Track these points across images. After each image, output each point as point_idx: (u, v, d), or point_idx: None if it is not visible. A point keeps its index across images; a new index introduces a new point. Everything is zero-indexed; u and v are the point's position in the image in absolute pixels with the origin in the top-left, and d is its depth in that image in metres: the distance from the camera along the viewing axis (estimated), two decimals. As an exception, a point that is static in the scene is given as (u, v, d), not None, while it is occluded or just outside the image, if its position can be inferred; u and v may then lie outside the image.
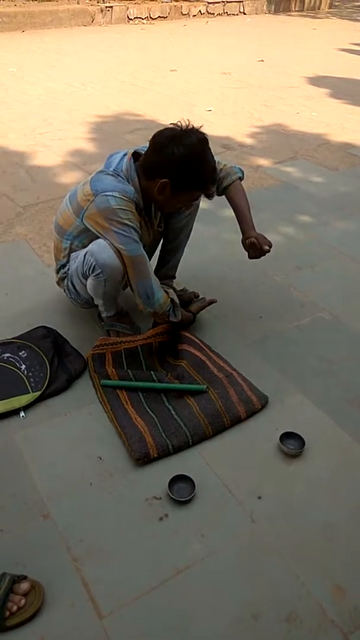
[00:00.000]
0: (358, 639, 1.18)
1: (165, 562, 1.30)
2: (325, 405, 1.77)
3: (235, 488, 1.48)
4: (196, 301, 2.07)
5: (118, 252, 1.67)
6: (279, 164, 3.74)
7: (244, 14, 10.70)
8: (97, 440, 1.61)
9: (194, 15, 9.98)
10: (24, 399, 1.70)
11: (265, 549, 1.34)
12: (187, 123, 1.64)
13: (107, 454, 1.57)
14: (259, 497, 1.46)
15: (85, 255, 1.73)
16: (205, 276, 2.41)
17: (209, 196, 1.87)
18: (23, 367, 1.80)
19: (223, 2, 10.31)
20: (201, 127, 1.65)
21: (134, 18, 9.26)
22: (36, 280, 2.34)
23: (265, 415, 1.71)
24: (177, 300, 1.87)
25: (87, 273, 1.74)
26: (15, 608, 1.16)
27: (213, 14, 10.21)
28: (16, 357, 1.83)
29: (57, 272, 1.96)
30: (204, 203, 2.07)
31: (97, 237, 1.71)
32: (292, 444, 1.60)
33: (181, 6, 9.79)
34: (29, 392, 1.72)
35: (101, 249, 1.68)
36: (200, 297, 2.11)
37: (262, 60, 6.85)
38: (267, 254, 1.88)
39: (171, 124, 1.65)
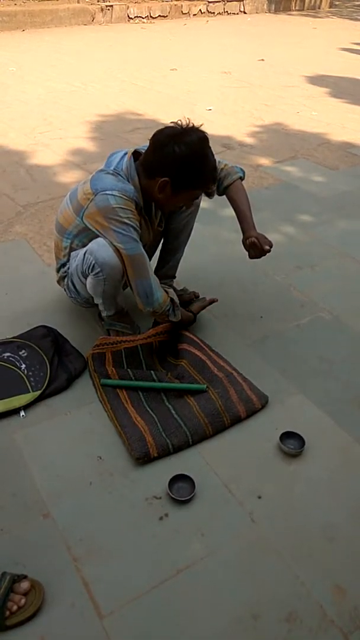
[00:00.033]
0: (358, 639, 1.18)
1: (165, 562, 1.30)
2: (325, 405, 1.76)
3: (235, 488, 1.48)
4: (196, 301, 2.07)
5: (117, 251, 1.67)
6: (279, 164, 3.74)
7: (245, 13, 10.70)
8: (97, 439, 1.61)
9: (194, 15, 9.98)
10: (24, 399, 1.70)
11: (265, 548, 1.34)
12: (188, 121, 1.64)
13: (107, 453, 1.57)
14: (259, 497, 1.46)
15: (84, 254, 1.73)
16: (205, 276, 2.41)
17: (210, 195, 1.87)
18: (23, 366, 1.80)
19: (223, 1, 10.31)
20: (201, 125, 1.65)
21: (134, 17, 9.25)
22: (36, 279, 2.34)
23: (265, 415, 1.71)
24: (176, 300, 1.87)
25: (87, 272, 1.74)
26: (15, 607, 1.16)
27: (213, 13, 10.20)
28: (16, 356, 1.83)
29: (58, 271, 1.95)
30: (203, 202, 2.07)
31: (97, 236, 1.71)
32: (292, 443, 1.60)
33: (181, 5, 9.79)
34: (29, 392, 1.72)
35: (100, 248, 1.68)
36: (201, 297, 2.11)
37: (263, 60, 6.84)
38: (267, 254, 1.88)
39: (171, 122, 1.65)
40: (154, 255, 2.16)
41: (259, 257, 1.90)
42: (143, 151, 1.72)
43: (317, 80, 6.00)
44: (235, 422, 1.67)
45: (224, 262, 2.52)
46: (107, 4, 8.99)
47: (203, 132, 1.63)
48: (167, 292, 1.82)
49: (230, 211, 1.98)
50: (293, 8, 11.63)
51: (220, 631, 1.18)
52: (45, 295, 2.22)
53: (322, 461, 1.58)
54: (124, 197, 1.64)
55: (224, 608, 1.22)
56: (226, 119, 4.55)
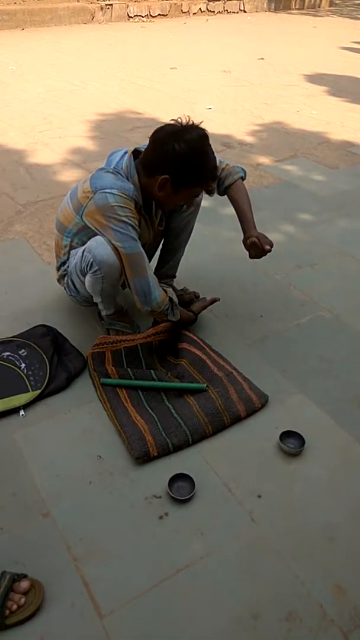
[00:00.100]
0: (358, 638, 1.18)
1: (165, 561, 1.30)
2: (325, 404, 1.76)
3: (235, 487, 1.48)
4: (197, 301, 2.06)
5: (116, 249, 1.66)
6: (279, 162, 3.74)
7: (244, 11, 10.68)
8: (97, 439, 1.61)
9: (194, 13, 9.96)
10: (23, 398, 1.70)
11: (265, 548, 1.34)
12: (188, 119, 1.63)
13: (107, 452, 1.56)
14: (259, 496, 1.46)
15: (83, 252, 1.73)
16: (205, 275, 2.40)
17: (210, 192, 1.87)
18: (23, 365, 1.80)
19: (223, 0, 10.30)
20: (201, 123, 1.65)
21: (134, 16, 9.24)
22: (36, 278, 2.34)
23: (265, 414, 1.71)
24: (175, 300, 1.87)
25: (85, 270, 1.74)
26: (15, 607, 1.16)
27: (213, 11, 10.19)
28: (16, 355, 1.83)
29: (58, 269, 1.95)
30: (204, 202, 2.07)
31: (97, 235, 1.70)
32: (292, 443, 1.60)
33: (181, 4, 9.77)
34: (28, 391, 1.72)
35: (99, 246, 1.67)
36: (201, 297, 2.11)
37: (263, 58, 6.83)
38: (268, 254, 1.87)
39: (172, 120, 1.65)
40: (155, 255, 2.15)
41: (259, 257, 1.89)
42: (143, 150, 1.71)
43: (317, 79, 6.00)
44: (235, 422, 1.66)
45: (224, 261, 2.52)
46: (107, 2, 8.98)
47: (203, 130, 1.63)
48: (166, 292, 1.82)
49: (230, 210, 1.98)
50: (293, 7, 11.61)
51: (220, 631, 1.18)
52: (45, 294, 2.22)
53: (322, 461, 1.57)
54: (123, 195, 1.64)
55: (224, 607, 1.22)
56: (226, 118, 4.55)
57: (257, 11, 10.86)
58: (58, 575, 1.26)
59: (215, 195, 1.94)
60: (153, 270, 1.91)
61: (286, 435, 1.61)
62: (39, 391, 1.73)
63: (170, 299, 1.83)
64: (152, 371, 1.80)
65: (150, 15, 9.42)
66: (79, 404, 1.73)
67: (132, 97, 5.06)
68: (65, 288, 1.97)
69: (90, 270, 1.72)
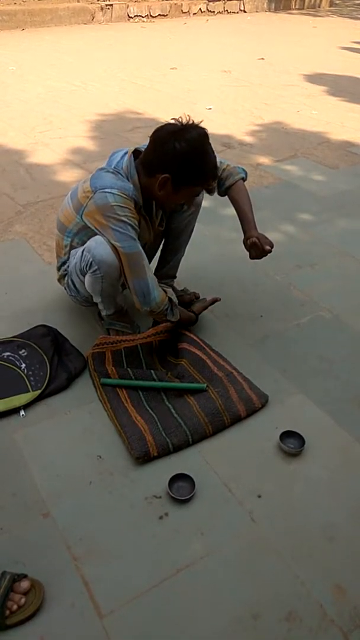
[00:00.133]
0: (358, 638, 1.18)
1: (165, 561, 1.30)
2: (325, 404, 1.76)
3: (235, 487, 1.48)
4: (197, 302, 2.06)
5: (115, 249, 1.67)
6: (279, 162, 3.74)
7: (245, 12, 10.68)
8: (97, 439, 1.61)
9: (194, 14, 9.96)
10: (23, 398, 1.70)
11: (265, 548, 1.34)
12: (188, 118, 1.64)
13: (107, 452, 1.56)
14: (259, 496, 1.46)
15: (82, 252, 1.73)
16: (206, 275, 2.40)
17: (210, 191, 1.87)
18: (23, 365, 1.80)
19: (223, 0, 10.29)
20: (201, 122, 1.65)
21: (134, 16, 9.24)
22: (36, 279, 2.34)
23: (265, 414, 1.71)
24: (175, 300, 1.87)
25: (85, 269, 1.74)
26: (15, 607, 1.16)
27: (213, 12, 10.19)
28: (16, 355, 1.83)
29: (59, 269, 1.95)
30: (204, 202, 2.07)
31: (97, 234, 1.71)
32: (292, 442, 1.60)
33: (181, 4, 9.77)
34: (28, 391, 1.72)
35: (98, 246, 1.68)
36: (201, 297, 2.11)
37: (263, 59, 6.84)
38: (268, 254, 1.87)
39: (172, 119, 1.65)
40: (155, 256, 2.15)
41: (259, 257, 1.89)
42: (143, 150, 1.71)
43: (316, 79, 6.00)
44: (235, 422, 1.66)
45: (225, 261, 2.52)
46: (107, 3, 8.98)
47: (203, 129, 1.63)
48: (165, 292, 1.82)
49: (230, 211, 1.98)
50: (293, 7, 11.61)
51: (220, 630, 1.18)
52: (45, 294, 2.22)
53: (322, 461, 1.57)
54: (123, 195, 1.64)
55: (223, 607, 1.22)
56: (226, 118, 4.55)
57: (257, 11, 10.86)
58: (58, 575, 1.26)
59: (216, 195, 1.94)
60: (153, 271, 1.91)
61: (286, 435, 1.61)
62: (39, 391, 1.73)
63: (170, 299, 1.82)
64: (152, 371, 1.80)
65: (151, 16, 9.42)
66: (79, 404, 1.73)
67: (132, 97, 5.06)
68: (65, 288, 1.97)
69: (89, 269, 1.72)
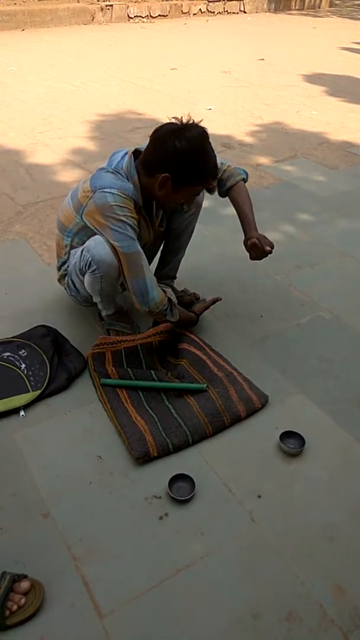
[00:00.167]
0: (358, 638, 1.17)
1: (165, 561, 1.30)
2: (325, 404, 1.76)
3: (235, 487, 1.48)
4: (198, 302, 2.06)
5: (114, 248, 1.67)
6: (279, 163, 3.74)
7: (244, 12, 10.69)
8: (97, 439, 1.61)
9: (194, 14, 9.97)
10: (23, 398, 1.70)
11: (265, 548, 1.34)
12: (188, 118, 1.64)
13: (107, 453, 1.57)
14: (259, 496, 1.46)
15: (82, 252, 1.73)
16: (206, 275, 2.41)
17: (210, 191, 1.87)
18: (23, 366, 1.80)
19: (223, 0, 10.30)
20: (201, 121, 1.65)
21: (134, 16, 9.25)
22: (36, 279, 2.34)
23: (265, 414, 1.71)
24: (175, 300, 1.86)
25: (84, 269, 1.74)
26: (15, 607, 1.16)
27: (213, 12, 10.20)
28: (16, 356, 1.83)
29: (59, 269, 1.95)
30: (204, 202, 2.07)
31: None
32: (292, 443, 1.60)
33: (181, 5, 9.78)
34: (28, 391, 1.72)
35: (97, 245, 1.68)
36: (202, 297, 2.11)
37: (263, 59, 6.84)
38: (268, 255, 1.87)
39: (173, 117, 1.65)
40: (155, 256, 2.15)
41: (260, 258, 1.89)
42: (143, 150, 1.71)
43: (316, 79, 6.00)
44: (235, 422, 1.66)
45: (225, 262, 2.52)
46: (107, 3, 8.99)
47: (203, 128, 1.63)
48: (165, 292, 1.82)
49: (230, 211, 1.98)
50: (293, 7, 11.62)
51: (220, 631, 1.18)
52: (45, 294, 2.22)
53: (322, 461, 1.57)
54: (122, 195, 1.64)
55: (223, 607, 1.22)
56: (226, 119, 4.55)
57: (257, 12, 10.87)
58: (58, 575, 1.26)
59: (216, 195, 1.94)
60: (153, 272, 1.91)
61: (286, 435, 1.61)
62: (39, 391, 1.73)
63: (169, 300, 1.82)
64: (152, 371, 1.80)
65: (151, 16, 9.43)
66: (79, 404, 1.73)
67: (132, 97, 5.06)
68: (65, 288, 1.97)
69: (88, 269, 1.72)
